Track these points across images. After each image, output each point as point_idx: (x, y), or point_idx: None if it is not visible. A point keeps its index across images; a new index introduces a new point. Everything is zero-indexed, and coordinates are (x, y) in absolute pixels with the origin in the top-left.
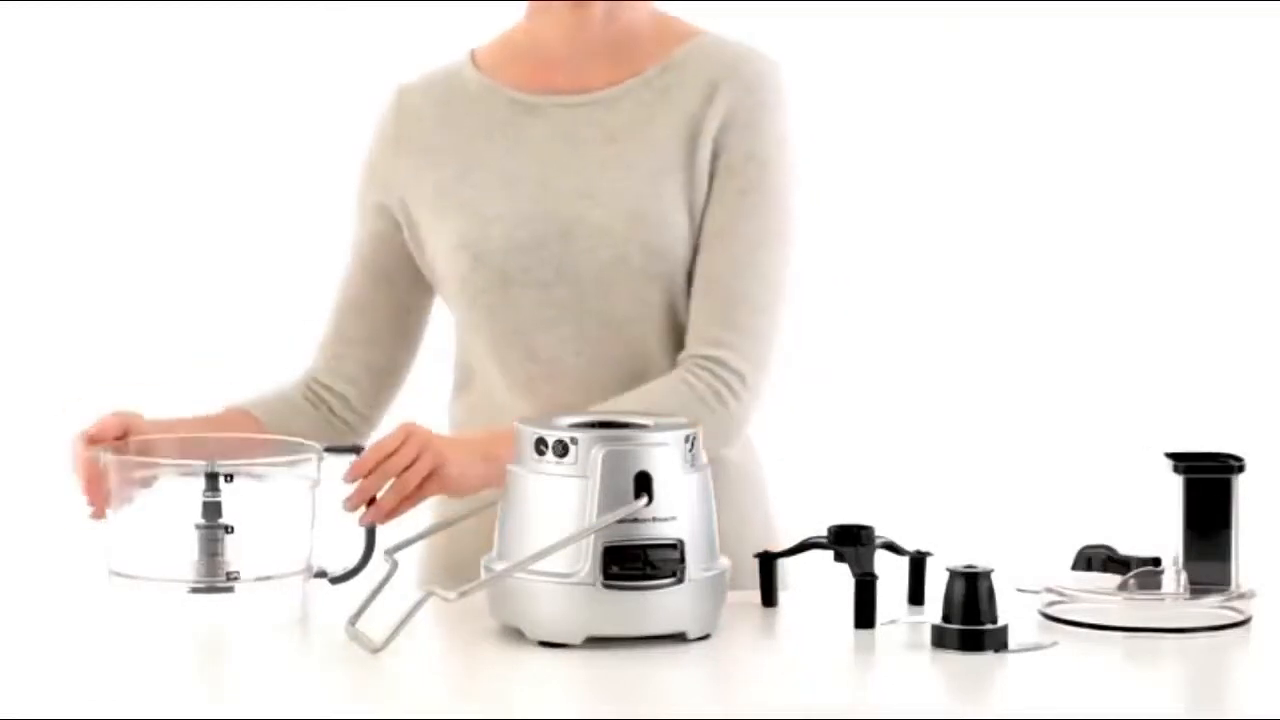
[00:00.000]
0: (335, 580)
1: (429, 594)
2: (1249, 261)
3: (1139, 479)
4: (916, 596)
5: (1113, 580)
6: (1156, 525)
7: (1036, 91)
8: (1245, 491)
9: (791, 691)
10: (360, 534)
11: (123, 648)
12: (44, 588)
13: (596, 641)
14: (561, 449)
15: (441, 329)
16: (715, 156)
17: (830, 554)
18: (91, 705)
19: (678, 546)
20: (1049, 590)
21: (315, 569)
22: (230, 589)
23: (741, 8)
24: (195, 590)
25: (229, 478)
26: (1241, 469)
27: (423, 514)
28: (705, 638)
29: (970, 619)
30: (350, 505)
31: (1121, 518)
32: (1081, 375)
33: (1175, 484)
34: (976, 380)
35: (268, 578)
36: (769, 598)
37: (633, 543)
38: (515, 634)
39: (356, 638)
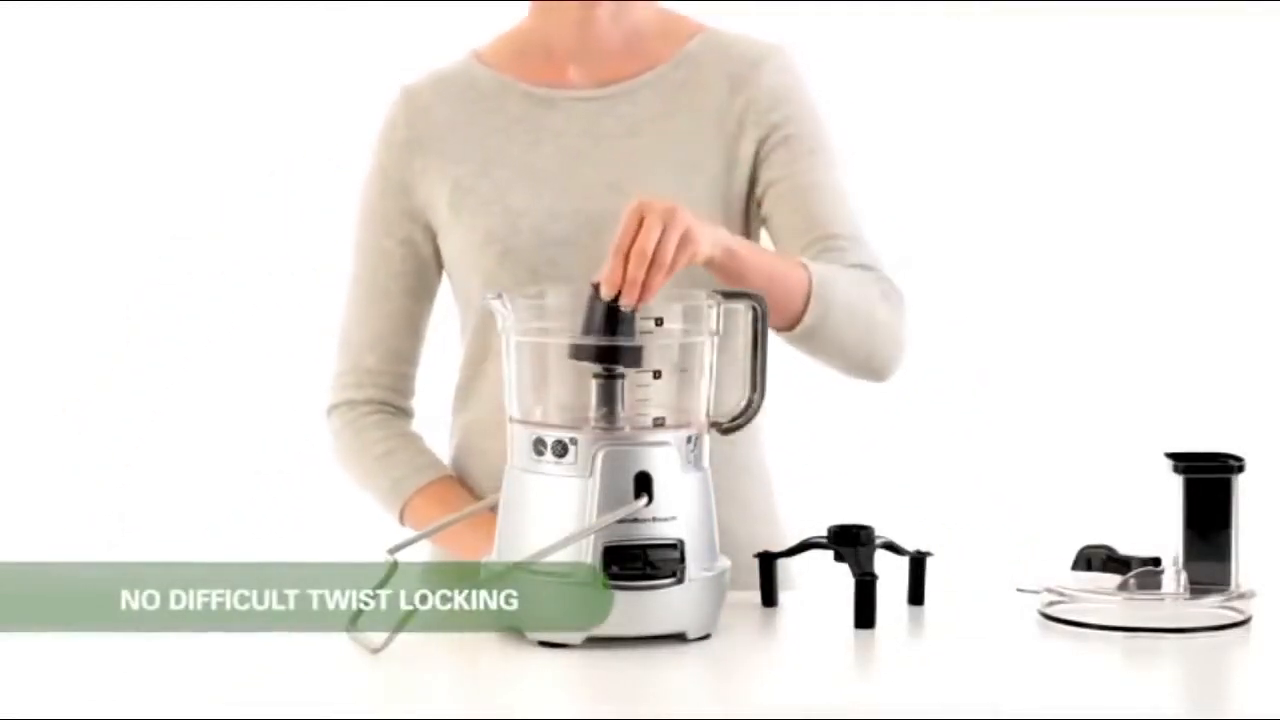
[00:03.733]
0: (725, 430)
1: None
2: (1249, 262)
3: (1139, 479)
4: (916, 596)
5: (1113, 580)
6: (1156, 525)
7: (1034, 92)
8: (1245, 491)
9: (791, 691)
10: None
11: (120, 648)
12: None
13: (596, 641)
14: (561, 449)
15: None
16: (766, 137)
17: (830, 554)
18: (90, 705)
19: (678, 546)
20: (1049, 590)
21: (710, 419)
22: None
23: (739, 7)
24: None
25: (660, 322)
26: (1241, 469)
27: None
28: (705, 638)
29: None
30: (609, 294)
31: (1121, 518)
32: (1082, 375)
33: (1175, 484)
34: (977, 380)
35: (671, 426)
36: (769, 598)
37: (633, 543)
38: (515, 634)
39: (356, 638)
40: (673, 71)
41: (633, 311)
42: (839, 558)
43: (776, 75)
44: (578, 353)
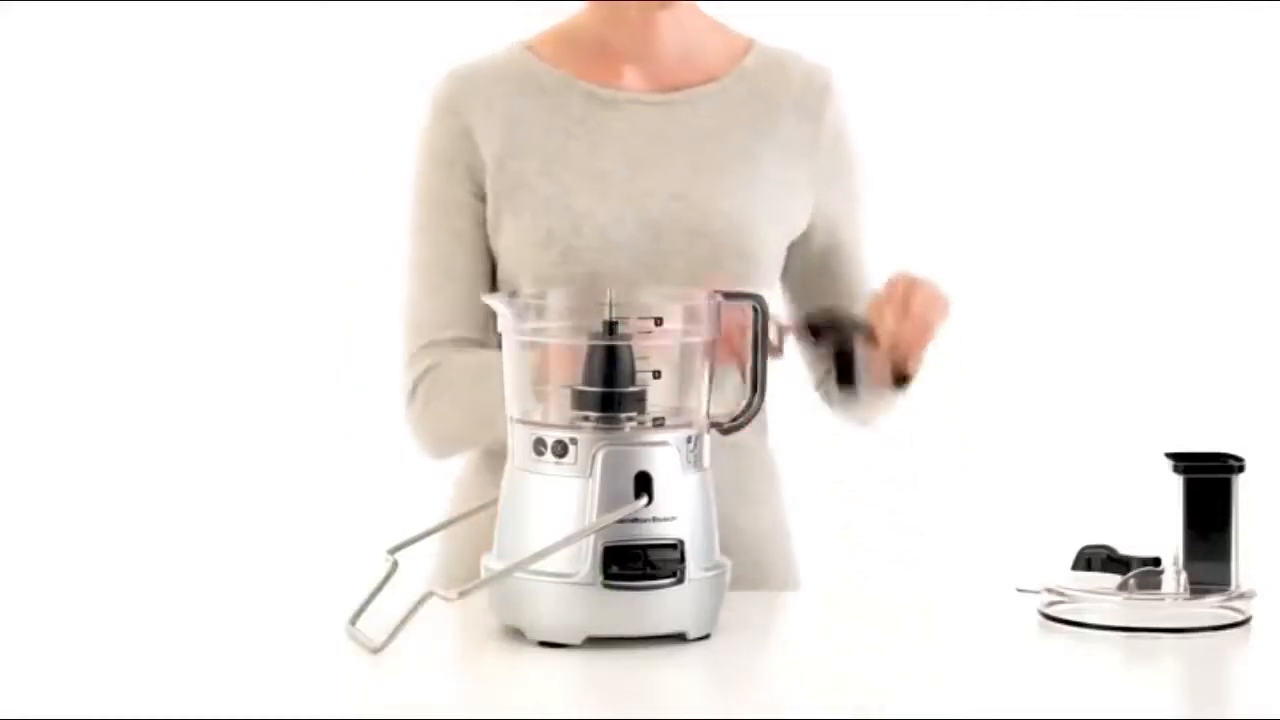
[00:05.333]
0: (725, 430)
1: (429, 594)
2: (1249, 261)
3: (1139, 479)
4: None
5: (1113, 580)
6: (1156, 525)
7: (1032, 91)
8: (1245, 491)
9: (791, 691)
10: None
11: (119, 649)
12: (43, 587)
13: (596, 641)
14: (561, 449)
15: None
16: (830, 173)
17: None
18: (90, 705)
19: (678, 546)
20: (1049, 590)
21: (710, 419)
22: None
23: (753, 9)
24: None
25: (660, 322)
26: (1241, 469)
27: (425, 515)
28: (705, 638)
29: None
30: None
31: (1121, 518)
32: (1081, 375)
33: (1175, 484)
34: (976, 380)
35: (670, 425)
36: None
37: (633, 543)
38: (515, 634)
39: (356, 638)
40: (734, 85)
41: (631, 357)
42: (816, 335)
43: (838, 107)
44: (580, 401)
